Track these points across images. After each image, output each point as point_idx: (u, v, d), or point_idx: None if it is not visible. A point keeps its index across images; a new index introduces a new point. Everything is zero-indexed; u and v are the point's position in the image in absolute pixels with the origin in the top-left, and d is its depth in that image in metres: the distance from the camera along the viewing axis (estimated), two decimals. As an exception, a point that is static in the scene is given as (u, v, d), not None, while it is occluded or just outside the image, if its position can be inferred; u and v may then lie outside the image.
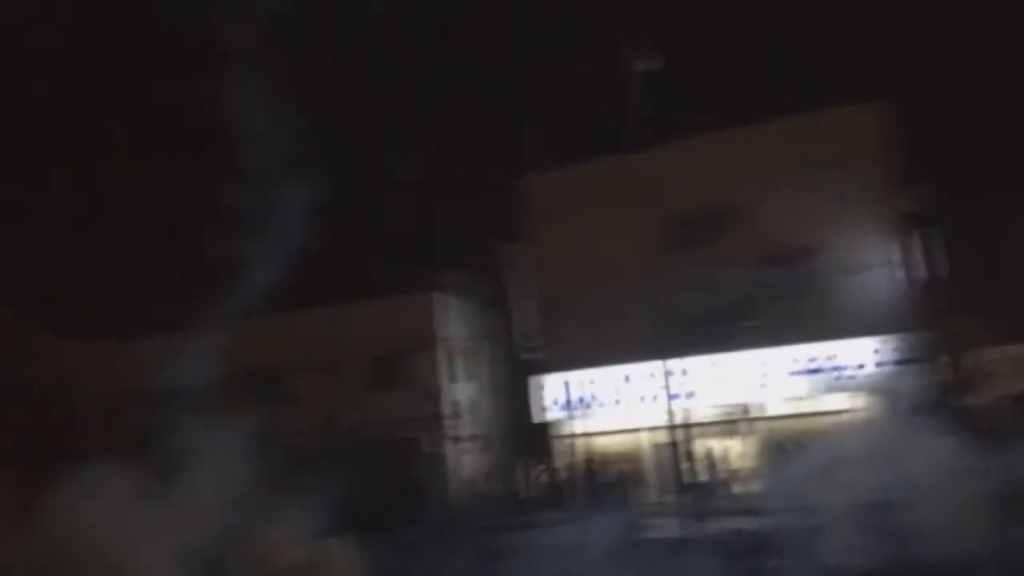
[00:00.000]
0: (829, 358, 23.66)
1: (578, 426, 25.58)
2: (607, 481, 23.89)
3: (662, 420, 23.59)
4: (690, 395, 23.33)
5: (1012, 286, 25.02)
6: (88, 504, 13.86)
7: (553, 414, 26.43)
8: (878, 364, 23.14)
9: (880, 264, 24.21)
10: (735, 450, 25.17)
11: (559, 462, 26.74)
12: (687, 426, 22.27)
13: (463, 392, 30.29)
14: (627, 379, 25.45)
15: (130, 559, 12.82)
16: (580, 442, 25.71)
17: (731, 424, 25.07)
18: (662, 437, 25.00)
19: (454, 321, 30.62)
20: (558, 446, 26.80)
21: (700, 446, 24.00)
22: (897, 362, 22.92)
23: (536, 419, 26.75)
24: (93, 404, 30.54)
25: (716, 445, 25.12)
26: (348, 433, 27.51)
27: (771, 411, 24.63)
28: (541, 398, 26.49)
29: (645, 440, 25.91)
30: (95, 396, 30.71)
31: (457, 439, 29.09)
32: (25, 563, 12.30)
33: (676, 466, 23.03)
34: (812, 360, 23.84)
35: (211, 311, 17.52)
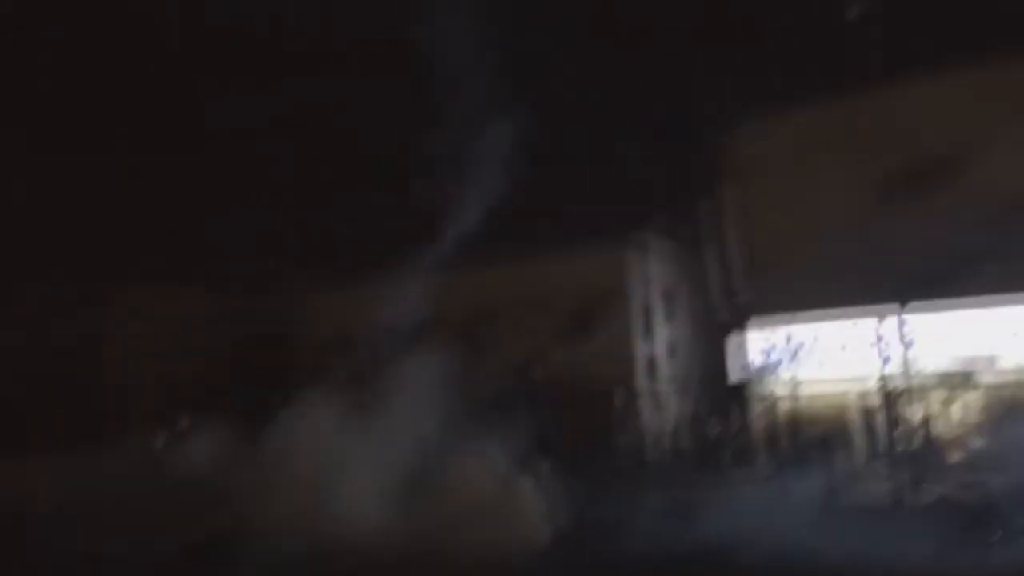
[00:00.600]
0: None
1: (781, 383, 24.60)
2: (810, 441, 22.81)
3: (876, 379, 22.31)
4: (909, 353, 21.74)
5: None
6: (302, 433, 14.97)
7: (754, 370, 25.56)
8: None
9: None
10: (958, 413, 23.26)
11: (759, 419, 25.87)
12: (904, 386, 20.84)
13: (659, 345, 29.90)
14: (838, 335, 24.17)
15: (336, 484, 13.72)
16: (782, 399, 24.72)
17: (953, 385, 23.17)
18: (875, 397, 23.63)
19: (652, 273, 30.19)
20: (758, 402, 25.92)
21: (918, 407, 22.38)
22: None
23: (735, 374, 25.98)
24: (312, 343, 32.85)
25: (936, 407, 23.31)
26: (541, 381, 27.93)
27: (1000, 372, 22.53)
28: (741, 353, 25.66)
29: (856, 399, 24.46)
30: (314, 336, 33.00)
31: (652, 392, 28.83)
32: (245, 487, 13.35)
33: (890, 428, 21.67)
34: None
35: (417, 259, 18.26)
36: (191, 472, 14.94)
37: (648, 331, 29.60)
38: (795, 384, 24.67)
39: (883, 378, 20.62)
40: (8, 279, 31.99)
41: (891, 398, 20.68)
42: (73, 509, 15.22)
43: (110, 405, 26.37)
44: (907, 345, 21.65)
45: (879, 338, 20.60)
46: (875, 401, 23.22)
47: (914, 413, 22.31)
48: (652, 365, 29.28)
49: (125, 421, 21.65)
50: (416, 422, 14.88)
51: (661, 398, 29.42)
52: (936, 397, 23.24)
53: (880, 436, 23.06)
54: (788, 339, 24.65)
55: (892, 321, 20.59)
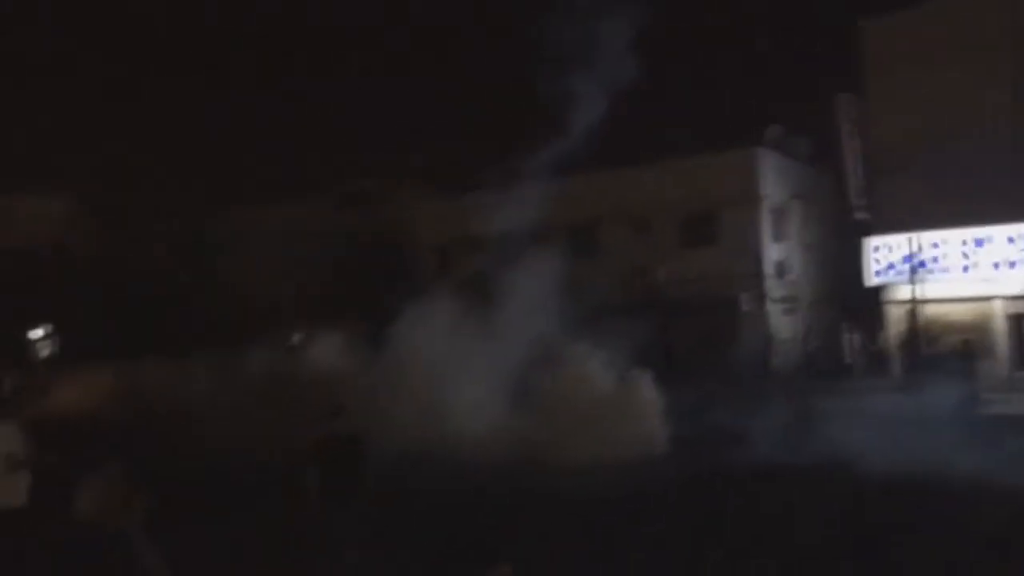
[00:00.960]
0: None
1: (913, 292, 23.46)
2: (942, 351, 21.77)
3: (1016, 289, 21.01)
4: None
5: None
6: (420, 332, 15.35)
7: (884, 278, 24.46)
8: None
9: None
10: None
11: (889, 329, 24.86)
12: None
13: (784, 252, 28.93)
14: (975, 243, 22.76)
15: (453, 387, 14.10)
16: (914, 309, 23.61)
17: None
18: (1015, 308, 22.30)
19: (777, 177, 29.01)
20: (888, 312, 24.87)
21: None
22: None
23: (865, 282, 24.93)
24: (429, 248, 33.49)
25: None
26: (659, 288, 27.56)
27: None
28: (871, 260, 24.56)
29: (993, 310, 23.18)
30: (431, 242, 33.58)
31: (775, 300, 28.05)
32: (364, 392, 13.75)
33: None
34: None
35: (537, 159, 17.99)
36: (313, 377, 15.61)
37: (775, 235, 28.62)
38: (931, 292, 23.52)
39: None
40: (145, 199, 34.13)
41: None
42: (201, 412, 16.23)
43: (236, 313, 27.81)
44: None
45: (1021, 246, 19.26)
46: (1015, 312, 21.91)
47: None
48: (777, 270, 28.39)
49: (250, 328, 22.77)
50: (533, 326, 14.97)
51: (787, 304, 28.61)
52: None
53: (1019, 348, 21.83)
54: (923, 245, 23.41)
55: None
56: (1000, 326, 22.95)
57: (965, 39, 22.86)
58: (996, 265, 22.34)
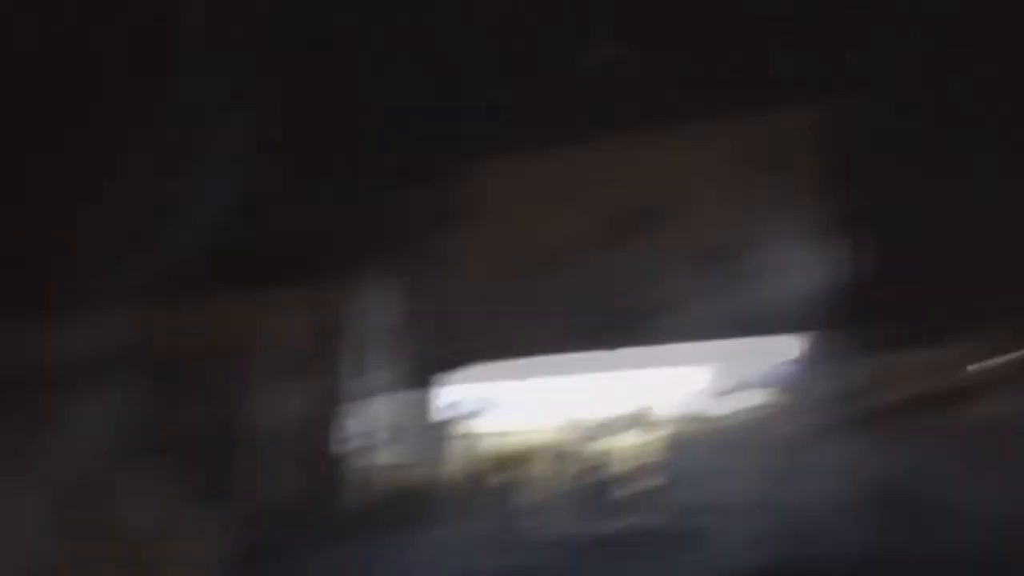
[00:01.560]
0: (739, 355, 23.12)
1: (475, 429, 24.80)
2: (495, 481, 23.14)
3: (563, 423, 23.02)
4: (594, 397, 22.76)
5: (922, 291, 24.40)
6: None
7: (448, 415, 25.53)
8: (790, 363, 22.65)
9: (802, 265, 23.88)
10: (634, 447, 24.61)
11: (450, 462, 25.83)
12: (590, 428, 21.82)
13: (363, 389, 29.07)
14: (527, 385, 24.80)
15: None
16: (475, 443, 24.88)
17: (632, 422, 24.51)
18: (561, 438, 24.41)
19: (349, 317, 29.36)
20: (452, 445, 25.89)
21: (598, 445, 23.46)
22: (810, 362, 22.35)
23: (434, 419, 25.83)
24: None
25: (617, 443, 24.53)
26: (239, 424, 26.20)
27: (674, 408, 24.07)
28: (438, 399, 25.60)
29: (539, 440, 25.12)
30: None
31: (351, 437, 27.89)
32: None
33: (575, 467, 22.37)
34: (720, 356, 23.33)
35: (117, 281, 16.46)
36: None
37: (355, 376, 28.69)
38: (487, 430, 24.98)
39: (569, 422, 21.48)
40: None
41: (577, 440, 21.54)
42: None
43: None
44: (593, 391, 22.71)
45: (567, 387, 21.50)
46: (560, 443, 24.02)
47: (598, 452, 23.32)
48: (356, 411, 28.30)
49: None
50: (87, 460, 13.73)
51: (361, 444, 28.53)
52: (618, 437, 24.56)
53: (566, 475, 23.85)
54: (483, 388, 24.90)
55: (581, 363, 21.53)
56: (544, 459, 24.89)
57: (544, 191, 25.35)
58: (542, 407, 24.37)
